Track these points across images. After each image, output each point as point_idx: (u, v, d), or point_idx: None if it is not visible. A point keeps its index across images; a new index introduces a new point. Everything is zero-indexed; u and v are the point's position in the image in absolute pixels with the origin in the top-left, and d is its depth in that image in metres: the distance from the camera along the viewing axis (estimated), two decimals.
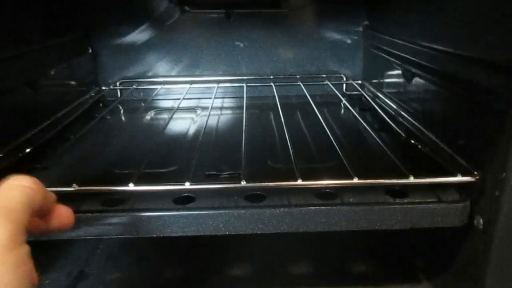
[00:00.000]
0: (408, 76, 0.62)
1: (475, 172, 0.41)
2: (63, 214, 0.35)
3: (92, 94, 0.82)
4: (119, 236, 0.43)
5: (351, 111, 0.70)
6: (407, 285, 0.54)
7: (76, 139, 0.59)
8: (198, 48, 0.86)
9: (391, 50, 0.68)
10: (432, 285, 0.53)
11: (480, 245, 0.42)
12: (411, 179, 0.41)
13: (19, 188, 0.30)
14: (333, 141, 0.52)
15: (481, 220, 0.41)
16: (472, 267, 0.44)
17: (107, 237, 0.43)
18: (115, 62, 0.86)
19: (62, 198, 0.43)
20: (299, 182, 0.41)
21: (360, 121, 0.64)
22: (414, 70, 0.59)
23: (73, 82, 0.77)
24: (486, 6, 0.42)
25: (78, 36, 0.79)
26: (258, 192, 0.44)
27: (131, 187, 0.41)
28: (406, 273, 0.56)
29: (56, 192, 0.43)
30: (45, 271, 0.56)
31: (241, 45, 0.86)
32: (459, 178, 0.41)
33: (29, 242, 0.41)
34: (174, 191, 0.43)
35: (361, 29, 0.85)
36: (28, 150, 0.54)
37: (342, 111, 0.79)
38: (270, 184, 0.41)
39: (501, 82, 0.38)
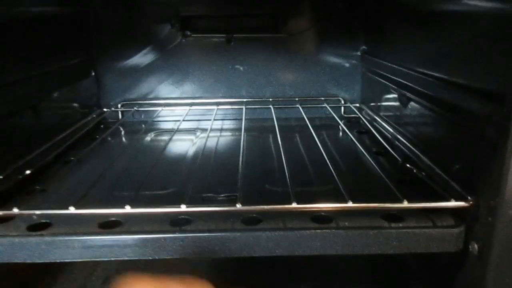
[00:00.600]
0: (403, 101, 0.63)
1: (469, 198, 0.41)
2: None
3: (94, 116, 0.83)
4: (115, 259, 0.43)
5: (349, 134, 0.71)
6: None
7: (76, 162, 0.59)
8: (199, 71, 0.88)
9: (388, 75, 0.69)
10: None
11: (476, 271, 0.42)
12: (405, 204, 0.42)
13: None
14: (330, 165, 0.53)
15: (476, 246, 0.41)
16: None
17: (104, 259, 0.43)
18: (117, 84, 0.88)
19: (59, 219, 0.44)
20: (294, 205, 0.41)
21: (357, 144, 0.64)
22: (409, 95, 0.60)
23: (75, 105, 0.78)
24: (478, 36, 0.43)
25: (81, 60, 0.81)
26: (254, 215, 0.44)
27: (127, 209, 0.41)
28: None
29: (52, 215, 0.44)
30: None
31: (241, 68, 0.87)
32: (452, 203, 0.42)
33: (25, 264, 0.42)
34: (170, 213, 0.43)
35: (359, 53, 0.86)
36: (28, 172, 0.54)
37: (340, 134, 0.79)
38: (265, 207, 0.42)
39: (493, 110, 0.39)
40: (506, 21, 0.37)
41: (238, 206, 0.41)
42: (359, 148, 0.63)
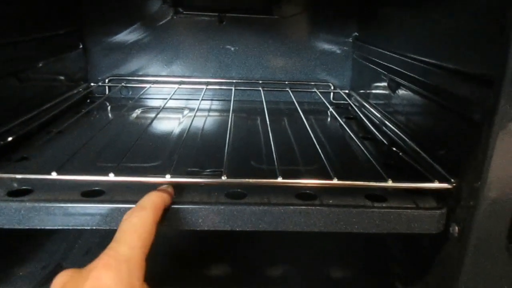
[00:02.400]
0: (393, 86, 0.63)
1: (452, 180, 0.42)
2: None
3: (80, 89, 0.81)
4: (97, 228, 0.42)
5: (337, 119, 0.71)
6: None
7: (58, 132, 0.58)
8: (189, 50, 0.87)
9: (378, 61, 0.69)
10: None
11: (455, 253, 0.43)
12: (390, 183, 0.42)
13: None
14: (317, 146, 0.53)
15: (456, 228, 0.42)
16: (447, 276, 0.45)
17: (86, 228, 0.42)
18: (106, 59, 0.86)
19: (41, 186, 0.44)
20: (279, 180, 0.41)
21: (345, 129, 0.64)
22: (398, 80, 0.60)
23: (61, 77, 0.77)
24: (465, 22, 0.43)
25: (69, 31, 0.79)
26: (239, 190, 0.44)
27: (111, 177, 0.41)
28: (383, 281, 0.57)
29: (34, 180, 0.43)
30: (20, 263, 0.55)
31: (232, 49, 0.87)
32: (436, 185, 0.42)
33: (4, 231, 0.41)
34: (155, 183, 0.43)
35: (350, 39, 0.86)
36: (9, 139, 0.53)
37: (329, 119, 0.80)
38: (250, 180, 0.42)
39: (479, 94, 0.39)
40: (493, 6, 0.38)
41: (224, 178, 0.41)
42: (347, 133, 0.63)
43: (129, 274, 0.31)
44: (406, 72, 0.57)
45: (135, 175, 0.43)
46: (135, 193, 0.43)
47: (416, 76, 0.54)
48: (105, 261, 0.31)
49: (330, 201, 0.43)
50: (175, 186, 0.43)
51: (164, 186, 0.42)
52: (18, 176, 0.41)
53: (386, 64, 0.66)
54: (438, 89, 0.48)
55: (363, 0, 0.81)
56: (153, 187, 0.44)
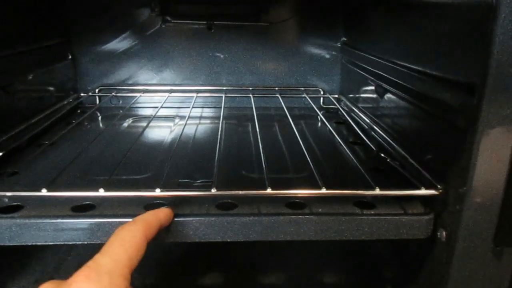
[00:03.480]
0: (380, 91, 0.64)
1: (439, 186, 0.43)
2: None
3: (70, 100, 0.81)
4: (88, 243, 0.42)
5: (327, 124, 0.72)
6: None
7: (50, 145, 0.58)
8: (178, 58, 0.87)
9: (366, 66, 0.70)
10: None
11: (443, 257, 0.43)
12: (377, 191, 0.43)
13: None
14: (306, 154, 0.53)
15: (444, 233, 0.43)
16: (435, 280, 0.45)
17: (76, 243, 0.42)
18: (95, 69, 0.86)
19: (32, 202, 0.44)
20: (268, 190, 0.42)
21: (334, 135, 0.65)
22: (385, 86, 0.61)
23: (51, 88, 0.77)
24: (449, 29, 0.44)
25: (58, 42, 0.79)
26: (229, 201, 0.45)
27: (101, 192, 0.41)
28: (375, 284, 0.57)
29: (24, 197, 0.43)
30: (12, 277, 0.55)
31: (221, 56, 0.87)
32: (423, 191, 0.43)
33: None
34: (145, 197, 0.43)
35: (339, 44, 0.87)
36: (0, 154, 0.53)
37: (319, 124, 0.80)
38: (240, 192, 0.42)
39: (463, 100, 0.40)
40: (476, 13, 0.38)
41: (213, 190, 0.42)
42: (336, 138, 0.64)
43: (111, 286, 0.31)
44: (392, 78, 0.58)
45: (126, 188, 0.43)
46: (126, 207, 0.43)
47: (402, 82, 0.55)
48: (86, 273, 0.31)
49: (320, 210, 0.44)
50: (165, 198, 0.43)
51: (163, 208, 0.41)
52: (8, 193, 0.42)
53: (372, 69, 0.66)
54: (423, 95, 0.49)
55: (349, 6, 0.82)
56: (144, 200, 0.44)
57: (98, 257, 0.33)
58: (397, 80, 0.56)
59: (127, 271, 0.33)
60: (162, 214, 0.40)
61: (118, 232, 0.35)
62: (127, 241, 0.34)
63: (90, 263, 0.32)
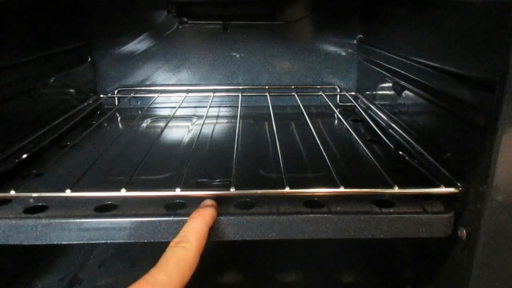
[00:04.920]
0: (398, 89, 0.63)
1: (459, 184, 0.42)
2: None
3: (90, 102, 0.83)
4: (111, 241, 0.43)
5: (344, 122, 0.72)
6: None
7: (71, 146, 0.60)
8: (195, 58, 0.88)
9: (383, 63, 0.70)
10: None
11: (463, 256, 0.43)
12: (396, 189, 0.42)
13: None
14: (324, 152, 0.53)
15: (464, 232, 0.42)
16: (456, 279, 0.45)
17: (99, 242, 0.43)
18: (114, 70, 0.88)
19: (56, 203, 0.45)
20: (287, 190, 0.42)
21: (351, 133, 0.65)
22: (403, 83, 0.60)
23: (71, 90, 0.78)
24: (470, 25, 0.43)
25: (78, 45, 0.81)
26: (247, 200, 0.45)
27: (122, 192, 0.42)
28: (395, 284, 0.57)
29: (49, 198, 0.45)
30: (39, 276, 0.57)
31: (238, 55, 0.87)
32: (442, 189, 0.42)
33: (23, 246, 0.43)
34: (165, 197, 0.44)
35: (355, 42, 0.87)
36: (24, 156, 0.55)
37: (336, 122, 0.80)
38: (258, 191, 0.42)
39: (483, 98, 0.39)
40: (496, 10, 0.38)
41: (232, 190, 0.42)
42: (354, 136, 0.64)
43: None
44: (410, 75, 0.57)
45: (146, 188, 0.44)
46: (147, 206, 0.44)
47: (420, 80, 0.54)
48: (143, 286, 0.32)
49: (338, 208, 0.44)
50: (185, 198, 0.44)
51: (207, 204, 0.42)
52: (34, 194, 0.43)
53: (390, 66, 0.66)
54: (442, 93, 0.48)
55: (366, 2, 0.82)
56: (164, 200, 0.45)
57: (155, 272, 0.34)
58: (415, 78, 0.56)
59: (180, 286, 0.34)
60: (210, 219, 0.41)
61: (174, 249, 0.36)
62: (182, 259, 0.36)
63: (147, 277, 0.33)
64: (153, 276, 0.33)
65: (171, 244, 0.37)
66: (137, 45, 0.87)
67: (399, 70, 0.61)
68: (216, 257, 0.61)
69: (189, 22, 0.85)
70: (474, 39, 0.42)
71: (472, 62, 0.43)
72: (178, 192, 0.42)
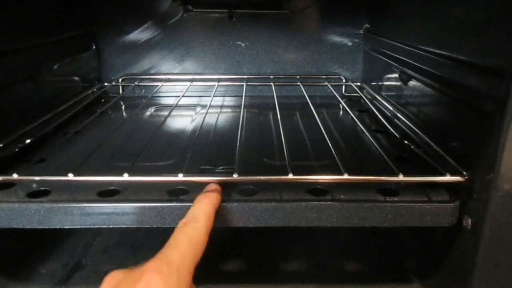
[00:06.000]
0: (404, 78, 0.62)
1: (464, 173, 0.42)
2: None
3: (95, 89, 0.83)
4: (113, 226, 0.43)
5: (349, 113, 0.71)
6: (398, 285, 0.55)
7: (75, 133, 0.60)
8: (200, 47, 0.87)
9: (389, 53, 0.69)
10: (423, 286, 0.54)
11: (469, 246, 0.43)
12: (401, 177, 0.42)
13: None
14: (328, 141, 0.53)
15: (469, 221, 0.42)
16: (461, 269, 0.45)
17: (102, 227, 0.43)
18: (119, 59, 0.88)
19: (59, 187, 0.45)
20: (290, 176, 0.42)
21: (357, 123, 0.64)
22: (410, 72, 0.60)
23: (76, 78, 0.78)
24: (479, 11, 0.42)
25: (83, 33, 0.81)
26: (250, 187, 0.45)
27: (125, 177, 0.41)
28: (399, 274, 0.57)
29: (52, 182, 0.45)
30: (42, 261, 0.57)
31: (243, 45, 0.87)
32: (448, 178, 0.42)
33: (26, 230, 0.43)
34: (168, 182, 0.44)
35: (361, 32, 0.86)
36: (27, 141, 0.55)
37: (341, 112, 0.79)
38: (261, 177, 0.42)
39: (491, 85, 0.39)
40: None
41: (235, 176, 0.42)
42: (359, 126, 0.63)
43: (178, 282, 0.32)
44: (417, 64, 0.56)
45: (149, 174, 0.44)
46: (149, 192, 0.44)
47: (427, 68, 0.53)
48: (157, 266, 0.32)
49: (342, 196, 0.44)
50: (188, 184, 0.44)
51: (212, 188, 0.42)
52: (37, 178, 0.43)
53: (396, 56, 0.65)
54: (449, 80, 0.47)
55: None
56: (167, 185, 0.45)
57: (168, 252, 0.34)
58: (422, 66, 0.55)
59: (192, 267, 0.34)
60: (216, 202, 0.41)
61: (184, 229, 0.36)
62: (193, 238, 0.36)
63: (161, 256, 0.33)
64: (166, 256, 0.33)
65: (180, 224, 0.37)
66: (142, 33, 0.86)
67: (406, 59, 0.61)
68: (217, 245, 0.61)
69: (194, 10, 0.85)
70: (483, 25, 0.41)
71: (480, 48, 0.42)
72: (180, 177, 0.42)
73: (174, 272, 0.32)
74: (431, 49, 0.53)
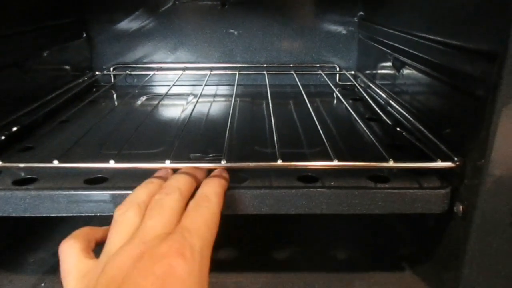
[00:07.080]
0: (397, 65, 0.62)
1: (456, 159, 0.41)
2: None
3: (86, 78, 0.82)
4: (101, 214, 0.43)
5: (343, 101, 0.70)
6: (390, 273, 0.54)
7: (64, 121, 0.59)
8: (192, 36, 0.86)
9: (383, 40, 0.68)
10: (414, 273, 0.54)
11: (460, 233, 0.42)
12: (391, 163, 0.41)
13: None
14: (319, 129, 0.52)
15: (460, 208, 0.42)
16: (452, 256, 0.44)
17: (90, 214, 0.43)
18: (110, 47, 0.86)
19: (46, 175, 0.44)
20: (279, 162, 0.41)
21: (350, 111, 0.64)
22: (402, 59, 0.59)
23: (66, 66, 0.77)
24: None
25: (72, 20, 0.79)
26: (240, 174, 0.44)
27: (111, 164, 0.41)
28: (390, 261, 0.56)
29: (37, 168, 0.44)
30: (30, 250, 0.57)
31: (235, 33, 0.86)
32: (439, 164, 0.41)
33: (18, 219, 0.42)
34: (155, 169, 0.43)
35: (356, 19, 0.85)
36: (14, 129, 0.54)
37: (335, 101, 0.79)
38: (250, 164, 0.42)
39: (483, 70, 0.38)
40: None
41: (223, 162, 0.41)
42: (352, 114, 0.62)
43: (200, 267, 0.29)
44: (410, 50, 0.56)
45: (137, 161, 0.43)
46: (137, 179, 0.43)
47: (420, 54, 0.53)
48: (180, 249, 0.28)
49: (332, 183, 0.43)
50: (176, 170, 0.43)
51: (219, 172, 0.41)
52: (21, 164, 0.42)
53: (390, 42, 0.65)
54: (441, 66, 0.47)
55: None
56: (154, 172, 0.44)
57: (187, 235, 0.30)
58: (415, 52, 0.54)
59: (210, 251, 0.32)
60: (223, 181, 0.40)
61: (198, 209, 0.34)
62: (209, 219, 0.33)
63: (180, 239, 0.30)
64: (187, 238, 0.30)
65: (191, 204, 0.35)
66: (133, 21, 0.85)
67: (400, 46, 0.60)
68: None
69: None
70: (476, 9, 0.40)
71: (473, 33, 0.41)
72: (167, 164, 0.41)
73: (198, 256, 0.29)
74: (424, 35, 0.52)
